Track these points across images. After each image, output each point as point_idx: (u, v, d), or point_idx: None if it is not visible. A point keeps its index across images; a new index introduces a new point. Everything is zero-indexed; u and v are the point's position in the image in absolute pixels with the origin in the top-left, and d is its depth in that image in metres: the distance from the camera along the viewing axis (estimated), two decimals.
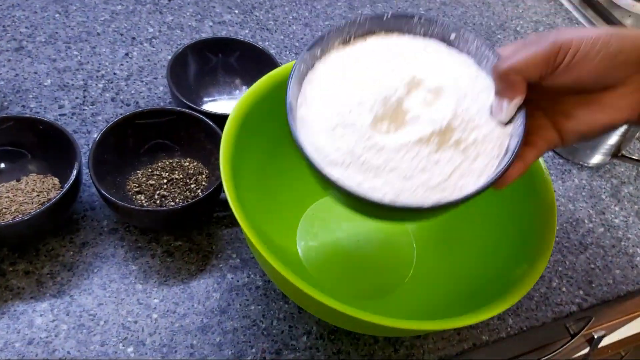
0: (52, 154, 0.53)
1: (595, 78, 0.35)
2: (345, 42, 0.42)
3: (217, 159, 0.44)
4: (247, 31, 0.78)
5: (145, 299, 0.50)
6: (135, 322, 0.49)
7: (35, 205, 0.51)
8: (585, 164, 0.71)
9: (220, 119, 0.54)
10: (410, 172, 0.37)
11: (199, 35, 0.75)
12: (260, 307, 0.52)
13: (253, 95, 0.50)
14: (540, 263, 0.43)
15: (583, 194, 0.68)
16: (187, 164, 0.58)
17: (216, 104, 0.66)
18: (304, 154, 0.36)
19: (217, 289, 0.52)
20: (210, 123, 0.55)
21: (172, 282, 0.52)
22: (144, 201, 0.54)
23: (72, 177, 0.49)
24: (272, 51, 0.75)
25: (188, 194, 0.55)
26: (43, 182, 0.53)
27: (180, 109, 0.57)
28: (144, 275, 0.52)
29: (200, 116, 0.56)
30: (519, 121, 0.37)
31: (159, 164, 0.57)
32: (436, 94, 0.38)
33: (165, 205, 0.54)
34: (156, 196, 0.55)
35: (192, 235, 0.55)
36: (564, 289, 0.59)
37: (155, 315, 0.50)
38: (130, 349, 0.48)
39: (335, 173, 0.37)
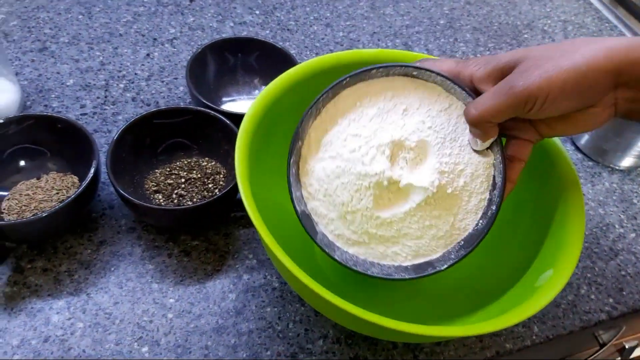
0: (71, 152, 0.53)
1: (565, 110, 0.37)
2: (317, 115, 0.44)
3: (234, 158, 0.44)
4: (267, 32, 0.77)
5: (161, 298, 0.50)
6: (151, 321, 0.49)
7: (54, 203, 0.51)
8: (616, 167, 0.68)
9: (239, 119, 0.54)
10: (420, 232, 0.42)
11: (219, 36, 0.75)
12: (276, 309, 0.51)
13: (270, 94, 0.49)
14: (566, 269, 0.42)
15: (614, 197, 0.66)
16: (205, 163, 0.57)
17: (235, 104, 0.66)
18: (336, 260, 0.42)
19: (233, 289, 0.52)
20: (228, 122, 0.55)
21: (188, 282, 0.51)
22: (161, 200, 0.54)
23: (90, 176, 0.49)
24: (292, 51, 0.74)
25: (206, 193, 0.55)
26: (62, 180, 0.53)
27: (198, 108, 0.56)
28: (160, 275, 0.52)
29: (218, 115, 0.55)
30: (496, 150, 0.42)
31: (177, 163, 0.57)
32: (419, 150, 0.42)
33: (183, 205, 0.53)
34: (174, 195, 0.54)
35: (209, 235, 0.55)
36: (592, 297, 0.56)
37: (170, 315, 0.49)
38: (145, 349, 0.47)
39: (357, 250, 0.43)
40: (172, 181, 0.55)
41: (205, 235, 0.55)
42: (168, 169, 0.56)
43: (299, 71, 0.51)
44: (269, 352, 0.48)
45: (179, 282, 0.51)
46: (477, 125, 0.40)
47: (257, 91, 0.67)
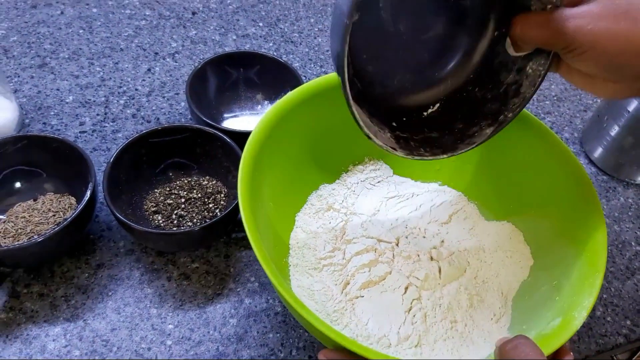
0: (68, 172, 0.52)
1: (595, 75, 0.36)
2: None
3: (235, 177, 0.42)
4: (271, 44, 0.76)
5: (160, 324, 0.48)
6: (149, 349, 0.47)
7: (51, 226, 0.50)
8: (632, 181, 0.66)
9: (240, 137, 0.52)
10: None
11: (222, 49, 0.73)
12: (279, 334, 0.49)
13: (274, 115, 0.47)
14: (574, 320, 0.39)
15: (629, 213, 0.63)
16: (206, 182, 0.56)
17: (238, 120, 0.64)
18: None
19: (234, 314, 0.50)
20: (228, 140, 0.53)
21: (187, 307, 0.50)
22: (161, 221, 0.52)
23: (86, 198, 0.47)
24: (296, 64, 0.73)
25: (206, 213, 0.53)
26: (60, 201, 0.52)
27: (197, 126, 0.55)
28: (159, 299, 0.50)
29: (218, 133, 0.54)
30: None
31: (177, 182, 0.56)
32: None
33: (183, 225, 0.52)
34: (174, 216, 0.53)
35: (210, 257, 0.53)
36: (609, 319, 0.54)
37: (169, 342, 0.48)
38: None
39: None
40: (171, 201, 0.54)
41: (206, 258, 0.53)
42: (168, 189, 0.55)
43: (305, 90, 0.49)
44: None
45: (178, 306, 0.50)
46: (516, 41, 0.40)
47: (259, 106, 0.65)
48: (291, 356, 0.48)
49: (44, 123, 0.62)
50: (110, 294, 0.50)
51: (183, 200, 0.54)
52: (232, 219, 0.51)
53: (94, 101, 0.65)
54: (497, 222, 0.53)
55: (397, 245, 0.50)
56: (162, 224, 0.52)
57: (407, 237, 0.51)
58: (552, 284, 0.44)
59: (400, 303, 0.46)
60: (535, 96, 0.75)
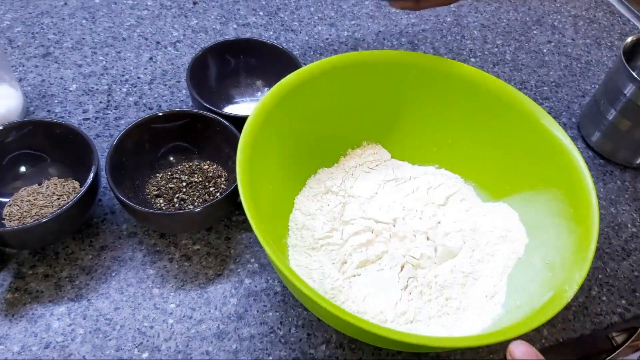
0: (72, 157, 0.53)
1: None
2: None
3: (235, 161, 0.43)
4: (271, 33, 0.77)
5: (162, 303, 0.50)
6: (151, 327, 0.48)
7: (55, 209, 0.51)
8: (629, 165, 0.66)
9: (240, 121, 0.53)
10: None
11: (223, 38, 0.74)
12: (278, 313, 0.50)
13: (272, 98, 0.48)
14: (565, 292, 0.40)
15: (626, 196, 0.64)
16: (207, 166, 0.57)
17: (238, 106, 0.65)
18: None
19: (234, 294, 0.51)
20: (228, 125, 0.54)
21: (189, 287, 0.51)
22: (163, 204, 0.54)
23: (89, 181, 0.48)
24: (296, 52, 0.74)
25: (207, 197, 0.54)
26: (64, 185, 0.53)
27: (198, 111, 0.56)
28: (161, 280, 0.51)
29: (218, 118, 0.55)
30: None
31: (179, 167, 0.57)
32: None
33: (185, 209, 0.53)
34: (175, 199, 0.54)
35: (210, 239, 0.54)
36: (604, 298, 0.55)
37: (171, 321, 0.49)
38: (145, 355, 0.47)
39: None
40: (173, 185, 0.55)
41: (207, 240, 0.54)
42: (169, 173, 0.56)
43: (302, 74, 0.50)
44: (271, 358, 0.47)
45: (180, 287, 0.51)
46: None
47: (259, 93, 0.66)
48: (290, 334, 0.49)
49: (48, 111, 0.63)
50: (113, 274, 0.51)
51: (184, 184, 0.55)
52: (232, 201, 0.52)
53: (97, 89, 0.66)
54: (493, 203, 0.54)
55: (394, 226, 0.51)
56: (164, 207, 0.53)
57: (404, 219, 0.52)
58: (546, 261, 0.45)
59: (397, 281, 0.47)
60: (533, 82, 0.76)
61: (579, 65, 0.80)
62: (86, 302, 0.49)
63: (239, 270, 0.53)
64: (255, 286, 0.52)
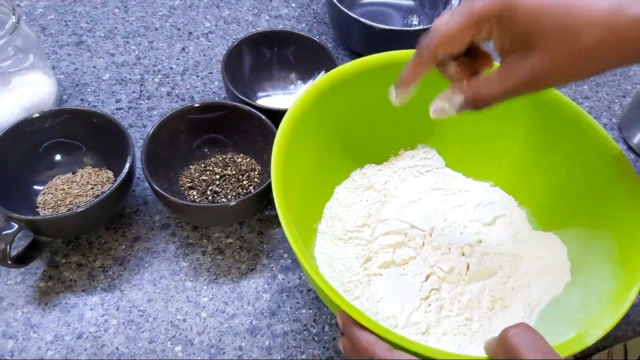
0: (106, 147, 0.53)
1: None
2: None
3: (270, 155, 0.42)
4: (303, 25, 0.75)
5: (195, 296, 0.49)
6: (184, 320, 0.48)
7: (89, 198, 0.50)
8: None
9: (275, 115, 0.52)
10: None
11: (255, 30, 0.73)
12: (311, 311, 0.49)
13: (321, 86, 0.47)
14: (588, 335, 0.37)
15: None
16: (240, 159, 0.56)
17: (270, 99, 0.64)
18: None
19: (267, 289, 0.50)
20: (264, 118, 0.53)
21: (222, 281, 0.50)
22: (196, 197, 0.53)
23: (125, 171, 0.48)
24: (329, 45, 0.72)
25: (240, 190, 0.54)
26: (98, 175, 0.53)
27: (234, 103, 0.55)
28: (194, 273, 0.51)
29: (254, 111, 0.54)
30: None
31: (212, 159, 0.56)
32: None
33: (217, 202, 0.52)
34: (208, 192, 0.53)
35: (243, 233, 0.54)
36: None
37: (204, 314, 0.48)
38: (178, 348, 0.46)
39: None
40: (206, 177, 0.54)
41: (239, 233, 0.53)
42: (203, 165, 0.55)
43: (342, 71, 0.49)
44: (304, 356, 0.47)
45: (212, 280, 0.50)
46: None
47: (292, 86, 0.65)
48: (324, 332, 0.48)
49: (82, 99, 0.63)
50: (146, 266, 0.51)
51: (218, 176, 0.54)
52: (266, 196, 0.51)
53: (130, 79, 0.66)
54: (543, 233, 0.51)
55: (430, 234, 0.49)
56: (197, 199, 0.53)
57: (442, 229, 0.50)
58: (582, 302, 0.42)
59: (418, 289, 0.45)
60: None
61: None
62: (119, 292, 0.49)
63: (271, 265, 0.52)
64: (288, 282, 0.51)
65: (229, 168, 0.55)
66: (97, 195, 0.51)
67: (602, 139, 0.47)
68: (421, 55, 0.36)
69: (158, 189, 0.48)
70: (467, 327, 0.44)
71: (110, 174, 0.53)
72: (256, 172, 0.55)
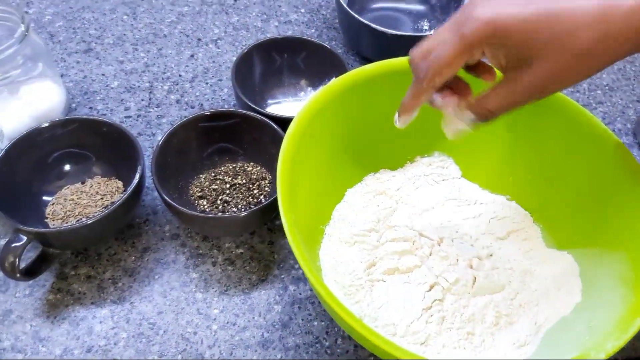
0: (116, 156, 0.52)
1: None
2: None
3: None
4: (313, 30, 0.75)
5: (205, 308, 0.48)
6: (195, 333, 0.47)
7: (98, 209, 0.50)
8: None
9: (285, 122, 0.51)
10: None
11: (264, 36, 0.73)
12: (323, 323, 0.48)
13: (322, 98, 0.47)
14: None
15: None
16: (251, 168, 0.55)
17: (280, 106, 0.64)
18: None
19: (278, 301, 0.49)
20: (275, 127, 0.53)
21: (232, 292, 0.49)
22: (206, 206, 0.52)
23: (135, 181, 0.47)
24: (339, 51, 0.71)
25: (251, 199, 0.53)
26: (107, 185, 0.52)
27: (245, 111, 0.54)
28: (205, 284, 0.50)
29: (265, 119, 0.53)
30: None
31: (222, 168, 0.55)
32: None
33: (228, 211, 0.52)
34: (219, 201, 0.53)
35: (254, 243, 0.53)
36: None
37: (215, 327, 0.47)
38: None
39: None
40: (217, 186, 0.54)
41: (250, 243, 0.53)
42: (213, 174, 0.55)
43: (350, 78, 0.48)
44: None
45: (223, 292, 0.49)
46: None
47: (303, 93, 0.64)
48: (336, 345, 0.47)
49: (90, 107, 0.62)
50: (156, 277, 0.50)
51: (228, 185, 0.54)
52: (276, 206, 0.50)
53: (139, 86, 0.65)
54: (556, 251, 0.49)
55: (439, 244, 0.48)
56: (207, 209, 0.52)
57: (452, 240, 0.49)
58: (589, 324, 0.41)
59: (421, 299, 0.44)
60: (586, 85, 0.72)
61: (633, 68, 0.76)
62: (129, 305, 0.48)
63: (282, 276, 0.51)
64: (300, 293, 0.50)
65: (239, 177, 0.54)
66: (107, 206, 0.50)
67: (624, 157, 0.45)
68: (420, 86, 0.37)
69: (168, 199, 0.47)
70: (468, 341, 0.43)
71: (120, 183, 0.53)
72: (267, 181, 0.54)
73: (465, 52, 0.34)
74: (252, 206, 0.52)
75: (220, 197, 0.53)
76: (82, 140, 0.52)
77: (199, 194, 0.53)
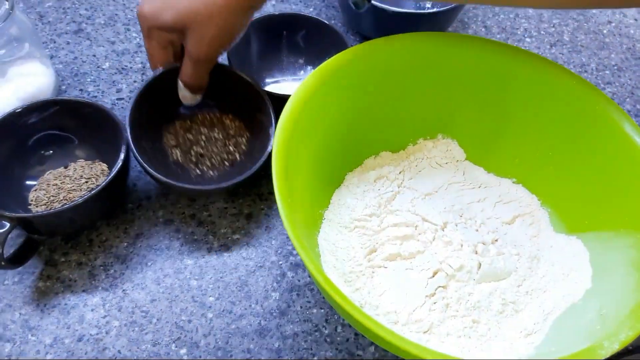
0: (99, 138, 0.50)
1: None
2: None
3: (262, 123, 0.45)
4: (311, 9, 0.72)
5: (200, 296, 0.47)
6: (189, 321, 0.45)
7: (83, 192, 0.48)
8: None
9: (283, 101, 0.49)
10: None
11: (260, 15, 0.70)
12: (323, 310, 0.47)
13: (321, 75, 0.45)
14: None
15: None
16: (228, 122, 0.53)
17: (279, 86, 0.61)
18: None
19: (276, 288, 0.48)
20: (248, 79, 0.51)
21: (228, 279, 0.48)
22: (179, 156, 0.51)
23: (120, 161, 0.45)
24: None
25: (226, 155, 0.51)
26: (91, 168, 0.50)
27: (221, 63, 0.52)
28: (200, 271, 0.48)
29: (242, 75, 0.51)
30: None
31: (199, 116, 0.53)
32: None
33: (202, 164, 0.51)
34: (192, 152, 0.51)
35: (250, 228, 0.51)
36: None
37: (210, 315, 0.46)
38: (183, 351, 0.44)
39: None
40: (192, 137, 0.52)
41: (247, 229, 0.51)
42: (189, 123, 0.53)
43: (351, 55, 0.46)
44: (315, 358, 0.44)
45: (219, 279, 0.48)
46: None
47: (302, 72, 0.62)
48: (336, 333, 0.45)
49: (81, 89, 0.60)
50: (149, 264, 0.48)
51: (204, 137, 0.52)
52: (263, 176, 0.49)
53: (131, 67, 0.63)
54: (565, 236, 0.47)
55: (442, 229, 0.47)
56: (180, 160, 0.51)
57: (456, 225, 0.47)
58: (601, 312, 0.39)
59: (424, 286, 0.43)
60: (594, 65, 0.70)
61: None
62: (121, 292, 0.46)
63: (280, 262, 0.49)
64: (298, 280, 0.48)
65: (216, 130, 0.52)
66: (92, 189, 0.48)
67: (631, 139, 0.43)
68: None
69: (147, 165, 0.46)
70: (473, 329, 0.41)
71: (105, 166, 0.51)
72: (244, 139, 0.53)
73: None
74: (226, 163, 0.51)
75: (194, 148, 0.51)
76: (63, 123, 0.50)
77: (173, 142, 0.51)
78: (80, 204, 0.43)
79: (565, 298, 0.43)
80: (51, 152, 0.51)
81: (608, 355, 0.33)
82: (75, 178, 0.49)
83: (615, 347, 0.33)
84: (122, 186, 0.48)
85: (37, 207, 0.47)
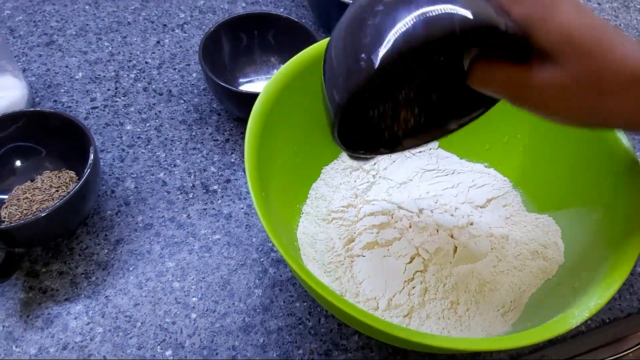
0: (66, 146, 0.50)
1: None
2: None
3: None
4: (282, 10, 0.73)
5: (183, 297, 0.47)
6: (173, 322, 0.46)
7: (56, 201, 0.48)
8: None
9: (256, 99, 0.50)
10: None
11: (230, 16, 0.70)
12: (305, 303, 0.47)
13: (287, 73, 0.45)
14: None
15: None
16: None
17: (254, 85, 0.62)
18: None
19: (258, 285, 0.48)
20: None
21: (210, 279, 0.48)
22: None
23: (90, 163, 0.45)
24: None
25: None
26: (59, 177, 0.50)
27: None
28: (182, 272, 0.48)
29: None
30: None
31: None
32: None
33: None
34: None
35: (230, 227, 0.51)
36: None
37: (194, 315, 0.46)
38: (168, 352, 0.44)
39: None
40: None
41: (227, 229, 0.51)
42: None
43: (320, 49, 0.47)
44: (300, 351, 0.45)
45: (201, 279, 0.48)
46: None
47: (274, 70, 0.63)
48: (320, 324, 0.46)
49: (55, 101, 0.60)
50: (131, 269, 0.48)
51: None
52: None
53: (104, 76, 0.63)
54: (537, 215, 0.49)
55: (418, 216, 0.47)
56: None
57: (432, 211, 0.48)
58: (574, 285, 0.40)
59: (402, 272, 0.44)
60: None
61: None
62: (104, 299, 0.47)
63: (262, 259, 0.50)
64: (280, 275, 0.49)
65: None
66: (64, 197, 0.48)
67: None
68: None
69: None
70: (452, 310, 0.42)
71: (72, 173, 0.51)
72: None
73: None
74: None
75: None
76: (30, 134, 0.50)
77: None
78: (53, 211, 0.43)
79: (540, 275, 0.44)
80: (20, 164, 0.51)
81: (579, 323, 0.34)
82: (45, 189, 0.49)
83: (585, 315, 0.34)
84: (94, 189, 0.48)
85: (11, 223, 0.47)
